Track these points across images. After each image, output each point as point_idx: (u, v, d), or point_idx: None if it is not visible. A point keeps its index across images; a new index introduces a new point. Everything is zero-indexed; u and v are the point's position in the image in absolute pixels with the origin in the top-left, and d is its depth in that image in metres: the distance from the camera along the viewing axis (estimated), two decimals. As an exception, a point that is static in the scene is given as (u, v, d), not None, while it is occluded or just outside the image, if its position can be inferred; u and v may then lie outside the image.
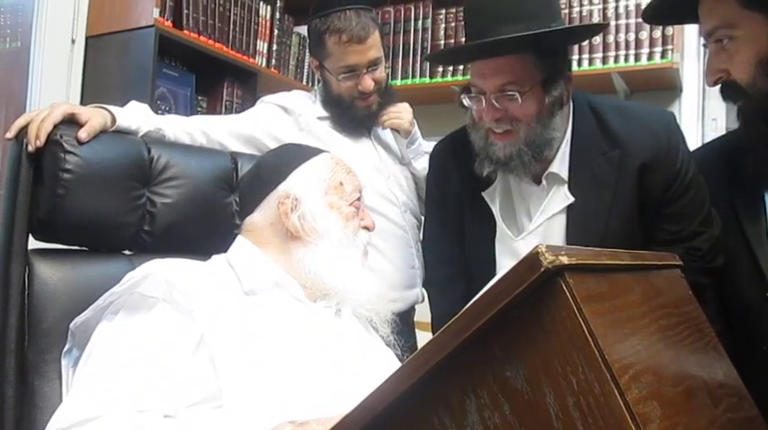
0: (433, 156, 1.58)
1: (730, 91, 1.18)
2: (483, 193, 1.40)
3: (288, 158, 1.26)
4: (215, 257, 1.21)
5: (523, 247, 1.37)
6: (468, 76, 2.68)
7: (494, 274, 1.39)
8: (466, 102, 1.33)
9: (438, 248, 1.57)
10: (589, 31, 1.45)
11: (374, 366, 1.15)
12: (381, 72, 1.70)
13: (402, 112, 1.73)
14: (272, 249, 1.20)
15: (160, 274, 1.04)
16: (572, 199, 1.34)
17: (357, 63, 1.64)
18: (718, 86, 1.21)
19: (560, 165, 1.35)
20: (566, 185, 1.35)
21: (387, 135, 1.82)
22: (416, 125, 1.77)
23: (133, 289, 1.05)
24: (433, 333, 1.54)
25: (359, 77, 1.66)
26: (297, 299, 1.17)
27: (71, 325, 1.11)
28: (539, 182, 1.37)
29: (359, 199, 1.27)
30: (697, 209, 1.35)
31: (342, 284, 1.17)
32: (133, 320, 1.02)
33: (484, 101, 1.28)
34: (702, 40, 1.25)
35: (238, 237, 1.23)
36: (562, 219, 1.36)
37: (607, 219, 1.33)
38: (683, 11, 1.22)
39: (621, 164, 1.33)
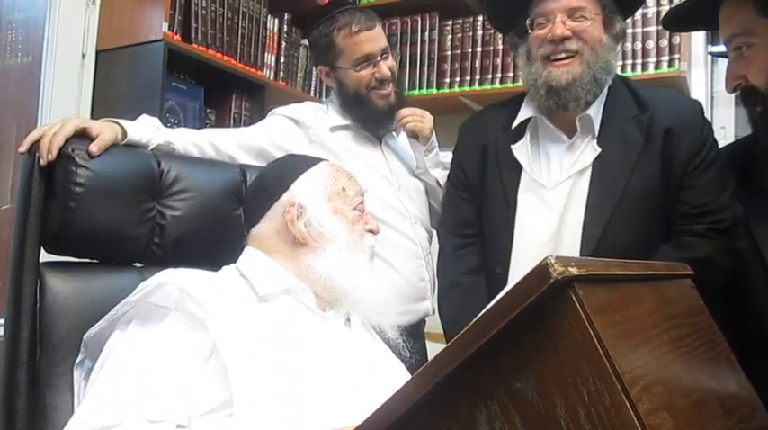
0: (465, 122, 1.65)
1: (749, 96, 1.20)
2: (512, 146, 1.46)
3: (289, 168, 1.28)
4: (225, 268, 1.22)
5: (552, 197, 1.43)
6: (476, 88, 2.69)
7: (513, 228, 1.46)
8: (530, 30, 1.40)
9: (452, 215, 1.61)
10: None
11: (384, 377, 1.15)
12: (392, 61, 1.74)
13: (425, 118, 1.75)
14: (280, 257, 1.20)
15: (174, 284, 1.05)
16: (599, 149, 1.39)
17: (371, 52, 1.68)
18: (732, 95, 1.23)
19: (596, 113, 1.42)
20: (595, 140, 1.40)
21: (398, 146, 1.83)
22: (435, 134, 1.78)
23: (146, 298, 1.05)
24: (439, 308, 1.60)
25: (375, 66, 1.69)
26: (307, 307, 1.18)
27: (84, 336, 1.11)
28: (570, 135, 1.43)
29: (362, 203, 1.29)
30: (722, 184, 1.38)
31: (352, 287, 1.18)
32: (145, 330, 1.03)
33: (552, 22, 1.36)
34: (709, 48, 1.27)
35: (247, 248, 1.24)
36: (588, 174, 1.41)
37: (630, 177, 1.37)
38: (704, 18, 1.24)
39: (650, 127, 1.38)
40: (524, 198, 1.45)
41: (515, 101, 1.56)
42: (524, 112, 1.49)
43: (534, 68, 1.41)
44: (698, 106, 1.44)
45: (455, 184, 1.62)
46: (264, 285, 1.15)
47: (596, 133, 1.41)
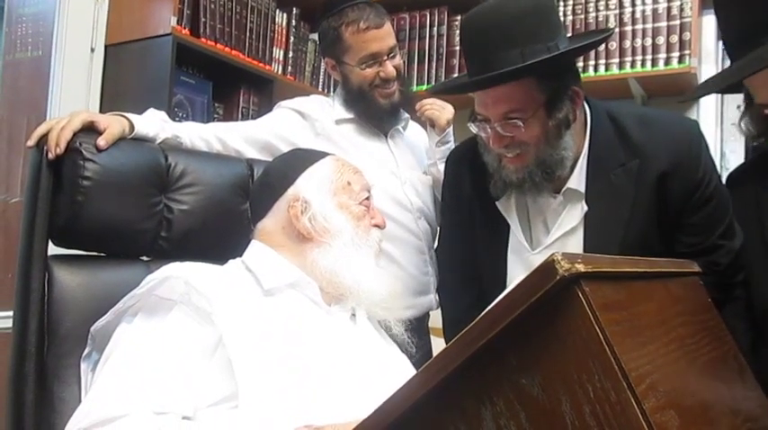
0: (449, 162, 1.58)
1: None
2: (497, 203, 1.39)
3: (294, 163, 1.28)
4: (231, 262, 1.22)
5: (538, 261, 1.35)
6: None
7: (504, 284, 1.38)
8: (473, 129, 1.33)
9: (450, 253, 1.57)
10: (589, 46, 1.38)
11: (390, 372, 1.15)
12: (399, 59, 1.73)
13: (444, 109, 1.75)
14: (286, 252, 1.21)
15: (179, 277, 1.05)
16: (587, 208, 1.32)
17: (379, 51, 1.66)
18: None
19: (578, 179, 1.33)
20: (583, 200, 1.33)
21: (405, 140, 1.82)
22: (451, 127, 1.77)
23: (152, 291, 1.06)
24: (445, 338, 1.56)
25: (381, 65, 1.68)
26: (313, 302, 1.18)
27: (91, 329, 1.12)
28: (557, 192, 1.36)
29: (368, 198, 1.28)
30: (717, 221, 1.32)
31: (357, 283, 1.18)
32: (151, 323, 1.03)
33: (489, 128, 1.28)
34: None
35: (253, 242, 1.24)
36: (579, 232, 1.34)
37: (625, 232, 1.30)
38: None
39: (640, 174, 1.30)
40: (513, 260, 1.40)
41: None
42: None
43: (491, 157, 1.34)
44: (695, 137, 1.32)
45: (450, 221, 1.56)
46: (270, 279, 1.15)
47: (583, 194, 1.33)
